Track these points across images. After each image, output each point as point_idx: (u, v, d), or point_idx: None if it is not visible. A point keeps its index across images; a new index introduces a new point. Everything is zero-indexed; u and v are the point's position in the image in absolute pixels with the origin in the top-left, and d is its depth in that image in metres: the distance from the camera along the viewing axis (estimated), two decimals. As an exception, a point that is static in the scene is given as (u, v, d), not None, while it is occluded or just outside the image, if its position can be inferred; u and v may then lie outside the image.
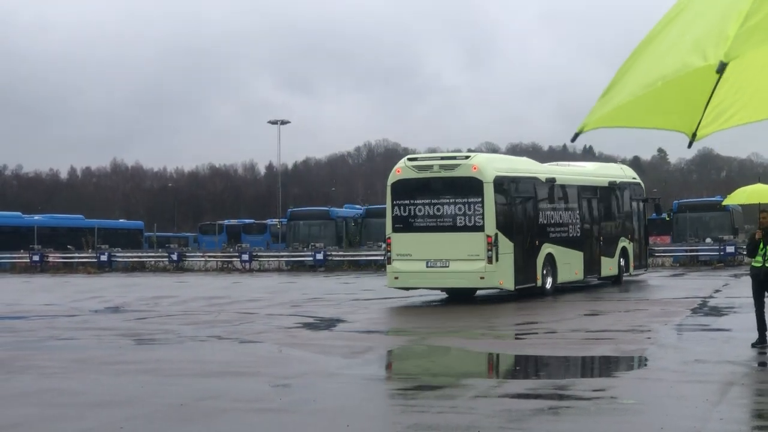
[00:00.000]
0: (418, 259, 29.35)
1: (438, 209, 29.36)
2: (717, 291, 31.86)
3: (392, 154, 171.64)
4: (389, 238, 30.28)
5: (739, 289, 31.50)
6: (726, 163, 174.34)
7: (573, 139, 4.73)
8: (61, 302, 32.02)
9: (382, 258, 54.44)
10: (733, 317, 22.67)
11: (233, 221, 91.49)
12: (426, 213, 29.52)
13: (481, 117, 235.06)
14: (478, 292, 31.21)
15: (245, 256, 58.37)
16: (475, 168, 29.08)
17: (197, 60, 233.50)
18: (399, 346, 18.66)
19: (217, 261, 60.34)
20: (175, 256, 60.47)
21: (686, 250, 53.98)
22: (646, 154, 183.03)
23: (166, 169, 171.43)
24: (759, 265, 16.78)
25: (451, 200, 29.21)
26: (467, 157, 29.94)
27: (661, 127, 5.32)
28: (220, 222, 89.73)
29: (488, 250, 28.57)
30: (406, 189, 29.88)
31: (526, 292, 30.10)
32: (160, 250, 68.19)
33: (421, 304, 28.67)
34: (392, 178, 30.46)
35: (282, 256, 59.32)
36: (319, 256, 56.04)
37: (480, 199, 28.87)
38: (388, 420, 11.00)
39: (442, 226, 29.30)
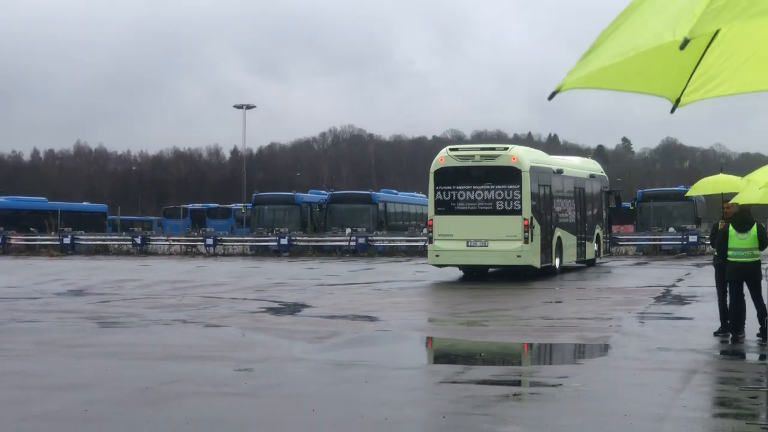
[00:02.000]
0: (458, 239, 32.80)
1: (479, 194, 32.90)
2: (680, 280, 32.09)
3: (357, 140, 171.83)
4: (431, 220, 33.53)
5: (701, 278, 31.72)
6: (689, 153, 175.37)
7: (550, 98, 4.74)
8: (24, 285, 31.78)
9: (347, 244, 54.75)
10: (695, 306, 22.84)
11: (197, 205, 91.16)
12: (467, 198, 33.07)
13: (450, 103, 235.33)
14: (490, 270, 35.20)
15: (209, 241, 58.25)
16: (514, 158, 32.86)
17: (164, 42, 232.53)
18: (364, 331, 18.65)
19: (181, 245, 60.17)
20: (138, 240, 60.24)
21: (649, 239, 54.35)
22: (611, 144, 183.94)
23: (130, 152, 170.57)
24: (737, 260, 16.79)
25: (491, 186, 32.75)
26: (506, 149, 33.70)
27: (642, 90, 5.30)
28: (185, 206, 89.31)
29: (525, 232, 32.35)
30: (448, 176, 33.21)
31: (543, 271, 33.65)
32: (123, 233, 67.91)
33: (389, 289, 28.67)
34: (435, 165, 33.68)
35: (246, 241, 59.25)
36: (284, 241, 56.02)
37: (518, 186, 32.50)
38: (354, 405, 10.99)
39: (482, 209, 32.78)
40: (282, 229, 58.65)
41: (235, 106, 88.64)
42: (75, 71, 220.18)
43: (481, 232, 32.56)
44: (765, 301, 16.45)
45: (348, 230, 57.18)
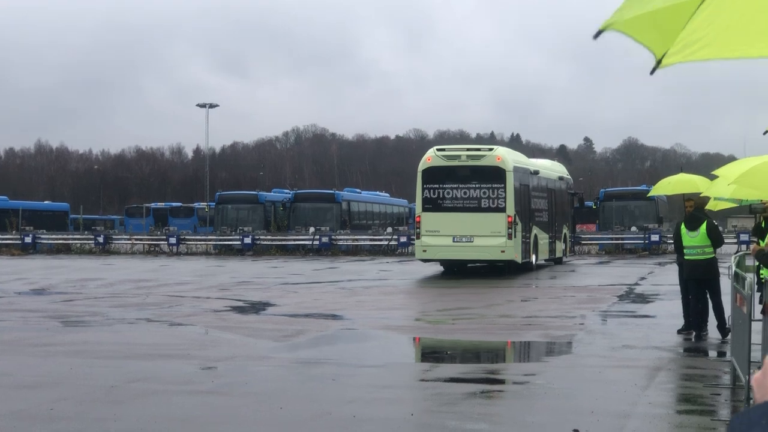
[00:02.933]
0: (445, 234, 34.31)
1: (465, 192, 34.57)
2: (642, 278, 32.28)
3: (320, 139, 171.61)
4: (419, 216, 35.17)
5: (663, 276, 31.97)
6: (650, 153, 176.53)
7: (595, 36, 4.79)
8: (-15, 284, 31.53)
9: (310, 243, 54.70)
10: (658, 304, 22.99)
11: (160, 204, 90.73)
12: (453, 195, 34.67)
13: (414, 103, 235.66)
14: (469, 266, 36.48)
15: (173, 240, 58.02)
16: (499, 159, 34.64)
17: (127, 40, 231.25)
18: (329, 330, 18.65)
19: (143, 244, 59.90)
20: (101, 239, 59.90)
21: (612, 238, 54.64)
22: (573, 143, 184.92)
23: (92, 151, 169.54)
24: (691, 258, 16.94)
25: (476, 185, 34.44)
26: (491, 149, 35.83)
27: (645, 44, 5.29)
28: (147, 205, 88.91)
29: (509, 228, 34.08)
30: (435, 175, 34.83)
31: (522, 266, 35.50)
32: (86, 232, 67.47)
33: (353, 288, 28.67)
34: (423, 165, 35.29)
35: (210, 240, 59.08)
36: (247, 240, 55.89)
37: (503, 185, 34.23)
38: (322, 403, 10.98)
39: (468, 206, 34.45)
40: (245, 228, 58.53)
41: (198, 105, 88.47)
42: (36, 69, 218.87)
43: (467, 228, 34.09)
44: (726, 299, 16.55)
45: (312, 229, 57.13)
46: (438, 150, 35.86)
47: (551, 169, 43.49)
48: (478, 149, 36.15)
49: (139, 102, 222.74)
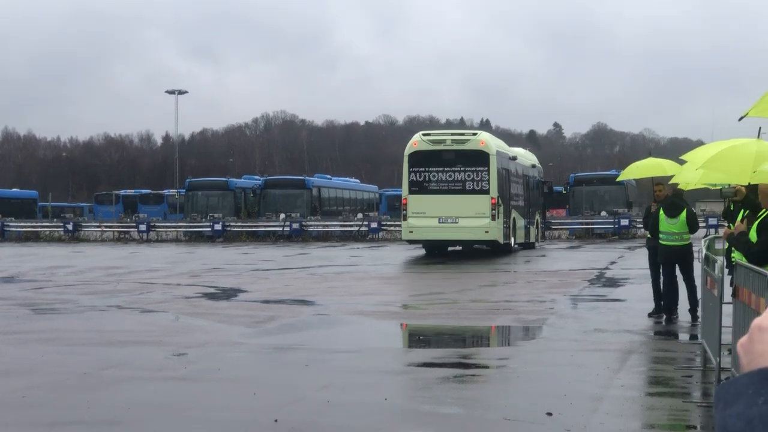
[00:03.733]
0: (431, 216, 35.74)
1: (449, 175, 36.01)
2: (612, 263, 32.45)
3: (290, 126, 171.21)
4: (405, 199, 36.45)
5: (633, 260, 32.14)
6: (619, 138, 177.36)
7: (740, 119, 5.27)
8: (-46, 272, 31.32)
9: (281, 229, 54.64)
10: (628, 288, 23.13)
11: (129, 191, 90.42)
12: (439, 179, 36.06)
13: (384, 88, 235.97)
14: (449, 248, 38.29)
15: (143, 227, 57.85)
16: (482, 143, 36.23)
17: (95, 25, 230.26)
18: (301, 316, 18.64)
19: (113, 231, 59.68)
20: (70, 226, 59.64)
21: (582, 223, 54.87)
22: (542, 129, 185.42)
23: (60, 138, 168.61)
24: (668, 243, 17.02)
25: (461, 168, 35.92)
26: (475, 134, 37.43)
27: None
28: (116, 192, 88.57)
29: (492, 210, 35.74)
30: (421, 159, 36.19)
31: (503, 248, 37.32)
32: (55, 220, 67.13)
33: (324, 274, 28.66)
34: (409, 149, 36.63)
35: (180, 227, 58.90)
36: (218, 227, 55.79)
37: (486, 168, 35.82)
38: (295, 389, 10.99)
39: (453, 189, 35.89)
40: (216, 215, 58.38)
41: (167, 92, 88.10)
42: (2, 56, 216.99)
43: (452, 210, 35.60)
44: (696, 283, 16.66)
45: (282, 215, 57.05)
46: (424, 135, 37.09)
47: (525, 156, 45.29)
48: (462, 134, 37.68)
49: (107, 89, 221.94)
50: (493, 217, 35.71)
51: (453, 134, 37.78)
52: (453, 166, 35.99)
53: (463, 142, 36.45)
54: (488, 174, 35.85)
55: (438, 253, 37.73)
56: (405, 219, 36.38)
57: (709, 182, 17.11)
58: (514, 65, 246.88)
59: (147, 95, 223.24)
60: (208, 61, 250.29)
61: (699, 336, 13.85)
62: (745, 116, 7.07)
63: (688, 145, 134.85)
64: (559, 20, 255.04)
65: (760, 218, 11.52)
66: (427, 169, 36.14)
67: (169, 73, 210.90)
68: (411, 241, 37.61)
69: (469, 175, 35.93)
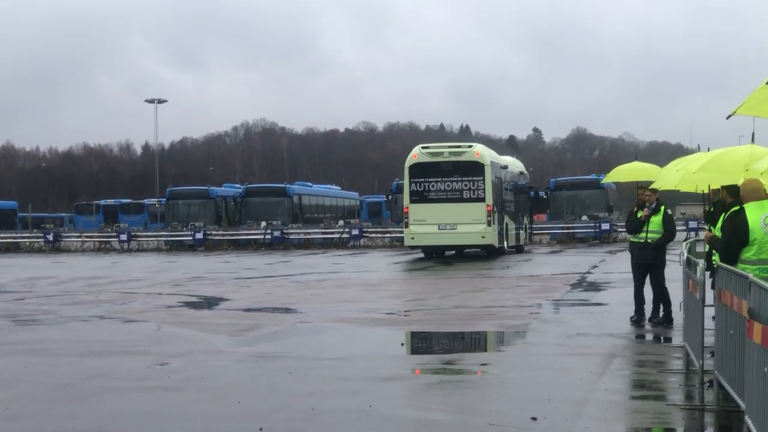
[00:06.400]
0: (431, 223, 38.65)
1: (448, 185, 38.93)
2: (594, 267, 32.55)
3: (269, 133, 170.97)
4: (407, 208, 39.36)
5: (615, 264, 32.27)
6: (599, 143, 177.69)
7: (727, 117, 5.36)
8: (-66, 284, 31.16)
9: (262, 237, 54.61)
10: (611, 292, 23.17)
11: (110, 201, 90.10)
12: (438, 188, 38.98)
13: (365, 95, 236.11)
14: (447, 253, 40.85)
15: (123, 236, 57.75)
16: (477, 154, 39.37)
17: (75, 34, 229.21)
18: (284, 324, 18.61)
19: (94, 241, 59.56)
20: (51, 237, 59.50)
21: (563, 228, 55.00)
22: (522, 134, 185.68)
23: (39, 148, 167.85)
24: (642, 240, 17.15)
25: (458, 178, 38.87)
26: (470, 146, 40.35)
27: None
28: (97, 202, 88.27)
29: (488, 216, 38.57)
30: (421, 170, 39.13)
31: (497, 250, 40.32)
32: (35, 230, 66.92)
33: (306, 282, 28.63)
34: (409, 161, 39.60)
35: (161, 236, 58.82)
36: (199, 236, 55.74)
37: (482, 178, 38.77)
38: (280, 397, 10.99)
39: (451, 198, 38.84)
40: (197, 224, 58.29)
41: (146, 101, 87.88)
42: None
43: (451, 217, 38.42)
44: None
45: (263, 223, 57.00)
46: (423, 148, 40.14)
47: (514, 164, 48.46)
48: (459, 146, 40.57)
49: (87, 98, 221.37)
50: (489, 223, 38.55)
51: (450, 146, 40.58)
52: (451, 176, 38.84)
53: (460, 153, 39.40)
54: (483, 183, 38.70)
55: (424, 258, 39.97)
56: (407, 226, 39.33)
57: (702, 188, 17.23)
58: (495, 71, 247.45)
59: (127, 104, 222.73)
60: (189, 69, 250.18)
61: (681, 338, 13.89)
62: (733, 114, 7.11)
63: (668, 148, 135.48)
64: (542, 25, 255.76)
65: (728, 214, 11.61)
66: (426, 179, 38.93)
67: (149, 81, 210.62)
68: (412, 247, 40.44)
69: (465, 185, 38.74)
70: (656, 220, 17.00)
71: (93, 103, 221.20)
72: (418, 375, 12.74)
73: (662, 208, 17.14)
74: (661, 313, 17.01)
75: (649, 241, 16.99)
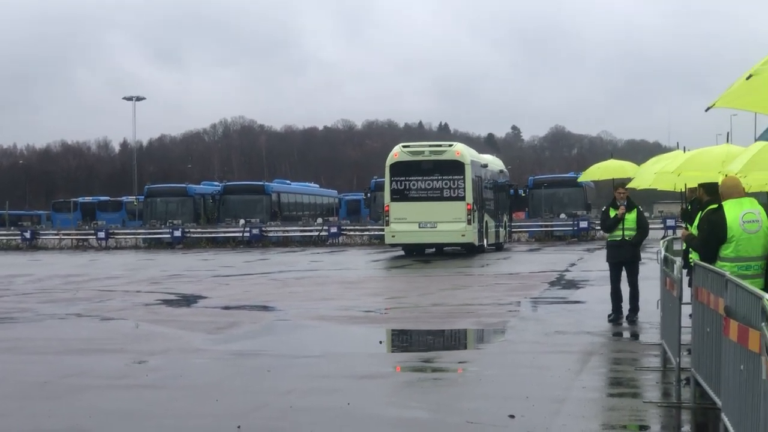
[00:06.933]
0: (412, 221, 38.88)
1: (428, 184, 39.24)
2: (572, 265, 32.63)
3: (248, 131, 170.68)
4: (387, 206, 39.65)
5: (592, 262, 32.34)
6: (577, 141, 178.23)
7: (706, 110, 5.41)
8: None
9: (241, 235, 54.53)
10: (588, 290, 23.26)
11: (87, 199, 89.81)
12: (418, 187, 39.28)
13: (345, 93, 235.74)
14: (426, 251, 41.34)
15: (101, 234, 57.58)
16: (458, 153, 39.70)
17: (55, 29, 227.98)
18: (263, 321, 18.60)
19: (72, 239, 59.35)
20: (28, 234, 59.24)
21: (541, 226, 55.11)
22: (501, 132, 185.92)
23: (17, 146, 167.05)
24: (618, 238, 17.22)
25: (438, 177, 39.17)
26: (450, 145, 40.83)
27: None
28: (74, 199, 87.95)
29: (468, 215, 39.00)
30: (401, 169, 39.46)
31: (478, 248, 40.73)
32: (12, 228, 66.68)
33: (285, 279, 28.60)
34: (390, 160, 39.90)
35: (139, 234, 58.66)
36: (177, 233, 55.62)
37: (462, 177, 39.11)
38: (258, 395, 10.97)
39: (432, 196, 39.11)
40: (175, 221, 58.15)
41: (124, 98, 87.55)
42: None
43: (431, 215, 38.76)
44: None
45: (242, 221, 56.92)
46: (404, 147, 40.37)
47: (494, 163, 48.64)
48: (440, 145, 41.03)
49: (65, 95, 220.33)
50: (469, 222, 38.99)
51: (431, 146, 40.97)
52: (431, 175, 39.17)
53: (440, 152, 39.76)
54: (464, 182, 39.06)
55: (403, 256, 40.14)
56: (388, 224, 39.64)
57: (680, 187, 17.33)
58: (475, 69, 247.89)
59: (105, 101, 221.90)
60: (168, 66, 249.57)
61: (659, 336, 13.94)
62: (712, 107, 7.14)
63: (646, 147, 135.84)
64: (521, 24, 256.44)
65: (705, 212, 11.67)
66: (407, 178, 39.26)
67: (128, 79, 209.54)
68: (393, 245, 40.55)
69: (446, 183, 39.10)
70: (631, 218, 17.10)
71: (71, 101, 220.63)
72: (396, 373, 12.76)
73: (635, 206, 17.26)
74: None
75: (627, 238, 17.09)
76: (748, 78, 5.69)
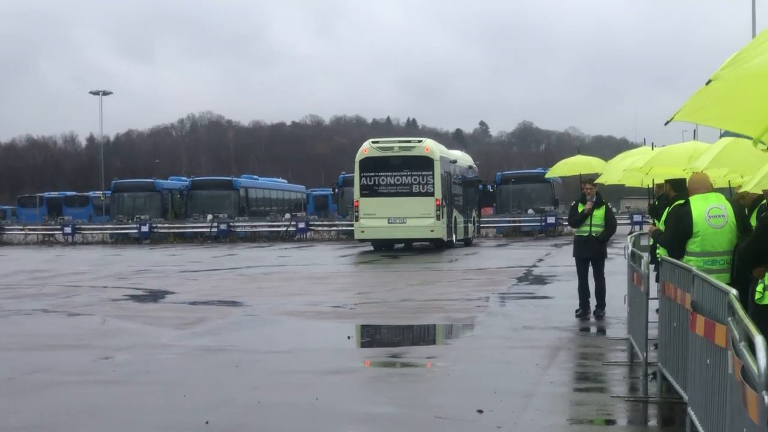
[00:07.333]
0: (381, 217, 39.14)
1: (398, 179, 39.51)
2: (540, 260, 32.72)
3: (216, 126, 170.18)
4: (357, 201, 39.82)
5: (560, 258, 32.43)
6: (545, 136, 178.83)
7: (666, 123, 5.55)
8: None
9: (208, 230, 54.38)
10: (556, 285, 23.33)
11: (54, 194, 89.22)
12: (387, 182, 39.52)
13: (313, 88, 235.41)
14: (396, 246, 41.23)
15: (68, 229, 57.22)
16: (427, 149, 40.00)
17: (21, 23, 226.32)
18: (230, 317, 18.54)
19: (37, 234, 58.95)
20: (-7, 230, 58.75)
21: (509, 221, 55.22)
22: (468, 127, 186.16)
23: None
24: (586, 234, 17.28)
25: (408, 173, 39.47)
26: (420, 141, 41.08)
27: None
28: (40, 194, 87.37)
29: (437, 210, 39.26)
30: (371, 164, 39.61)
31: (447, 244, 40.91)
32: (-24, 223, 66.09)
33: (253, 275, 28.53)
34: (360, 155, 40.10)
35: (106, 229, 58.33)
36: (145, 229, 55.35)
37: (431, 172, 39.39)
38: (226, 390, 10.94)
39: (401, 192, 39.44)
40: (142, 217, 57.87)
41: (91, 92, 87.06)
42: None
43: (400, 211, 39.05)
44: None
45: (209, 216, 56.74)
46: (373, 142, 40.56)
47: (463, 159, 48.70)
48: (409, 141, 41.31)
49: (30, 89, 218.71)
50: (438, 217, 39.24)
51: (400, 141, 41.22)
52: (400, 170, 39.45)
53: (410, 148, 39.97)
54: (433, 178, 39.28)
55: (371, 251, 39.99)
56: (357, 220, 39.86)
57: (647, 183, 17.44)
58: (443, 65, 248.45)
59: (71, 95, 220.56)
60: (136, 61, 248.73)
61: (626, 332, 14.00)
62: (671, 120, 7.19)
63: (613, 143, 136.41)
64: (490, 20, 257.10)
65: (672, 207, 11.73)
66: (376, 173, 39.45)
67: (95, 73, 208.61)
68: (362, 240, 40.73)
69: (415, 179, 39.36)
70: (599, 214, 17.14)
71: (37, 95, 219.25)
72: (365, 368, 12.76)
73: (604, 201, 17.31)
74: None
75: (594, 235, 17.14)
76: (707, 83, 5.71)
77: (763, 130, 5.75)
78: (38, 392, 11.10)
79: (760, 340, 4.76)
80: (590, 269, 17.35)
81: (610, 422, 9.51)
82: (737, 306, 5.92)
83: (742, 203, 11.18)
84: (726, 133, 9.80)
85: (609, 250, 18.14)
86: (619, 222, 21.19)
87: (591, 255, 17.28)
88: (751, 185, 8.96)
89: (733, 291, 6.31)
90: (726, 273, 10.35)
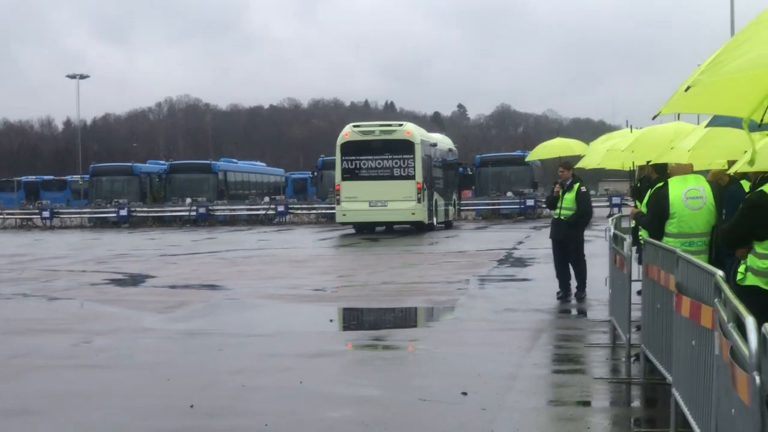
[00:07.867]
0: (362, 200, 39.59)
1: (379, 163, 40.02)
2: (520, 243, 32.79)
3: (193, 110, 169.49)
4: (338, 185, 40.42)
5: (539, 240, 32.44)
6: (523, 119, 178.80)
7: (653, 117, 5.56)
8: None
9: (187, 214, 54.28)
10: (536, 267, 23.39)
11: (31, 178, 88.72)
12: (369, 166, 40.04)
13: (292, 71, 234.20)
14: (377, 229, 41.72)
15: (46, 213, 57.00)
16: (408, 132, 40.55)
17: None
18: (212, 300, 18.51)
19: (15, 218, 58.70)
20: (-30, 214, 58.42)
21: (489, 204, 55.32)
22: (447, 110, 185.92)
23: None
24: (556, 216, 17.28)
25: (389, 156, 39.95)
26: (401, 125, 41.75)
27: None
28: (18, 179, 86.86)
29: (418, 193, 39.79)
30: (352, 148, 40.17)
31: (427, 226, 41.17)
32: (-47, 207, 65.66)
33: (233, 258, 28.49)
34: (341, 139, 40.66)
35: (85, 213, 58.14)
36: (123, 213, 55.21)
37: (412, 156, 39.96)
38: (210, 374, 10.93)
39: (382, 175, 39.89)
40: (121, 201, 57.69)
41: (68, 76, 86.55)
42: None
43: (382, 194, 39.49)
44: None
45: (188, 200, 56.61)
46: (354, 126, 41.24)
47: (443, 142, 49.18)
48: (390, 125, 41.96)
49: (6, 73, 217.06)
50: (419, 200, 39.76)
51: (381, 125, 41.91)
52: (381, 154, 39.91)
53: (390, 132, 40.55)
54: (414, 161, 39.82)
55: (351, 234, 40.20)
56: (339, 203, 40.37)
57: (628, 165, 17.43)
58: (421, 48, 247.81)
59: (48, 79, 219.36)
60: (113, 44, 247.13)
61: (608, 313, 14.05)
62: (658, 114, 7.20)
63: (591, 125, 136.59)
64: (468, 2, 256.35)
65: (653, 190, 11.77)
66: (357, 157, 39.93)
67: (72, 56, 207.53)
68: (344, 223, 41.28)
69: (396, 162, 39.87)
70: (569, 197, 17.01)
71: (13, 79, 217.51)
72: (348, 351, 12.77)
73: (576, 185, 17.08)
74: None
75: (562, 217, 17.07)
76: (686, 90, 5.75)
77: (753, 108, 5.75)
78: (21, 377, 11.07)
79: (751, 321, 4.78)
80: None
81: (593, 403, 9.55)
82: (725, 287, 5.94)
83: (721, 184, 11.20)
84: (710, 123, 9.77)
85: (588, 233, 18.13)
86: (597, 205, 21.23)
87: (560, 238, 17.21)
88: (740, 163, 8.94)
89: (720, 272, 6.33)
90: (704, 254, 10.40)
